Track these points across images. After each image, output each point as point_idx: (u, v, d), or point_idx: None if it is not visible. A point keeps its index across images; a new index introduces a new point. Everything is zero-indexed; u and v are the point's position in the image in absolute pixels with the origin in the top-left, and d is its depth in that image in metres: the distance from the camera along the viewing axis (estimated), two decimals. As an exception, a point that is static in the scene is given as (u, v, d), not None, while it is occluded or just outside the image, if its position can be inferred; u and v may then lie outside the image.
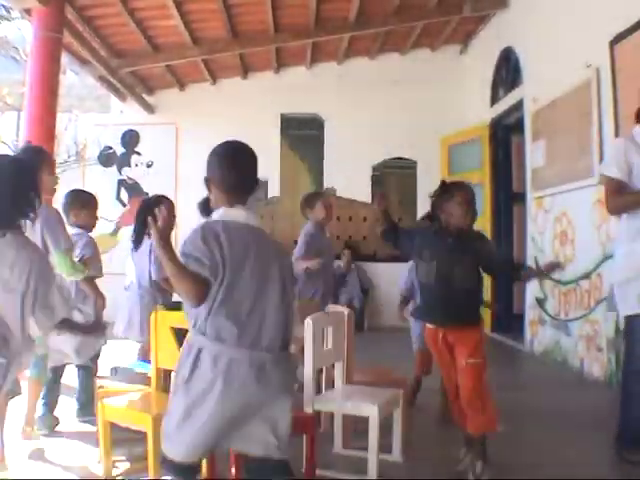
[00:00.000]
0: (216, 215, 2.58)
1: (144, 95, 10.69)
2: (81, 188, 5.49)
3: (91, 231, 4.79)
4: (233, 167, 2.69)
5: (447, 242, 3.71)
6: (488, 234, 9.04)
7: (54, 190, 4.36)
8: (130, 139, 10.93)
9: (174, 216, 4.78)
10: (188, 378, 2.41)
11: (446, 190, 3.80)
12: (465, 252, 3.68)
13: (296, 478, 2.70)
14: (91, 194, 4.95)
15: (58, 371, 4.56)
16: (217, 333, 2.41)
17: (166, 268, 2.34)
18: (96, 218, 4.92)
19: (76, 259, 4.26)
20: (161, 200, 4.66)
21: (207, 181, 2.74)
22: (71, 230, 4.46)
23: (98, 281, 4.60)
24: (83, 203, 4.76)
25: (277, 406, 2.47)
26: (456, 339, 3.61)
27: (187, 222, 9.82)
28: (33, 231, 3.66)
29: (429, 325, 3.77)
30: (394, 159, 10.75)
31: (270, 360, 2.44)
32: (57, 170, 7.46)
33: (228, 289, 2.40)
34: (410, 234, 3.98)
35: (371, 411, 3.48)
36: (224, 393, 2.36)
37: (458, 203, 3.73)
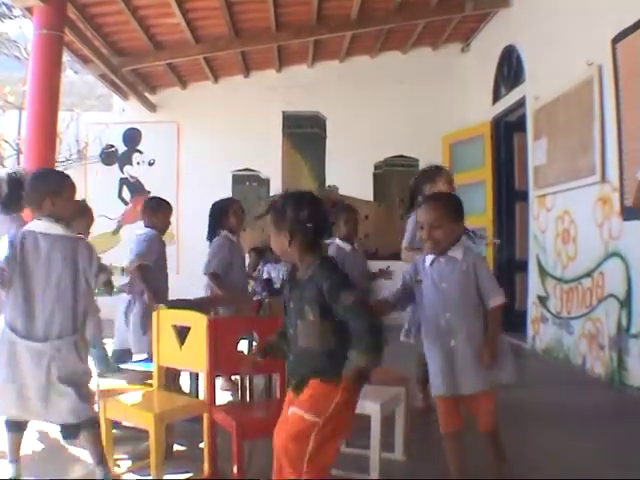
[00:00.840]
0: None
1: (146, 93, 10.68)
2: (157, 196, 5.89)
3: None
4: (28, 189, 3.48)
5: (290, 287, 2.86)
6: (490, 233, 9.05)
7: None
8: (132, 137, 10.93)
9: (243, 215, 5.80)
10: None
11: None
12: (304, 298, 2.68)
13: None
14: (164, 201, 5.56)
15: None
16: (10, 322, 3.20)
17: None
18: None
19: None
20: (232, 202, 5.79)
21: None
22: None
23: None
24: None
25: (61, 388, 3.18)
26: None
27: (188, 220, 9.83)
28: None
29: None
30: (396, 157, 10.74)
31: (49, 349, 3.17)
32: (58, 168, 7.48)
33: (15, 288, 3.20)
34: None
35: (373, 409, 3.47)
36: (9, 373, 3.17)
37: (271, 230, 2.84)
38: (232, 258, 5.53)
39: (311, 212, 2.72)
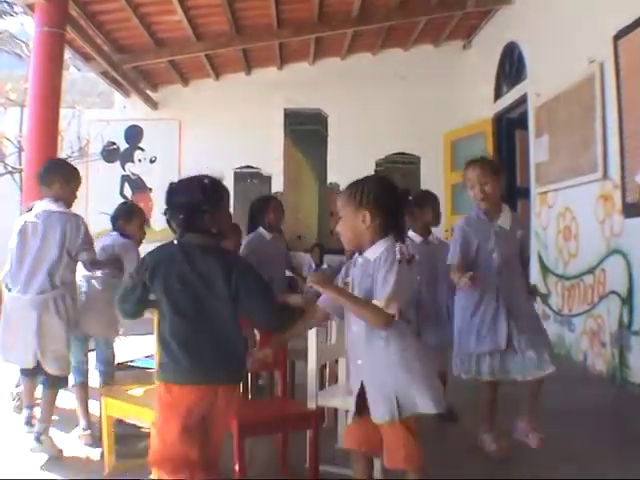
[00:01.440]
0: None
1: (147, 90, 10.69)
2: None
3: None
4: (43, 170, 4.22)
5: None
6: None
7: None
8: (133, 135, 10.94)
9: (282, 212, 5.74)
10: None
11: None
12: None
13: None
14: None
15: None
16: (5, 281, 4.01)
17: None
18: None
19: None
20: (269, 199, 5.85)
21: None
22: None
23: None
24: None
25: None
26: None
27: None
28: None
29: None
30: (397, 154, 10.75)
31: (33, 302, 3.84)
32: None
33: (14, 254, 3.95)
34: None
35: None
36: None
37: None
38: (260, 255, 5.18)
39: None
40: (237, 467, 3.11)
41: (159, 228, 10.84)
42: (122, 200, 10.71)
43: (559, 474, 3.56)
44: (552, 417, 4.67)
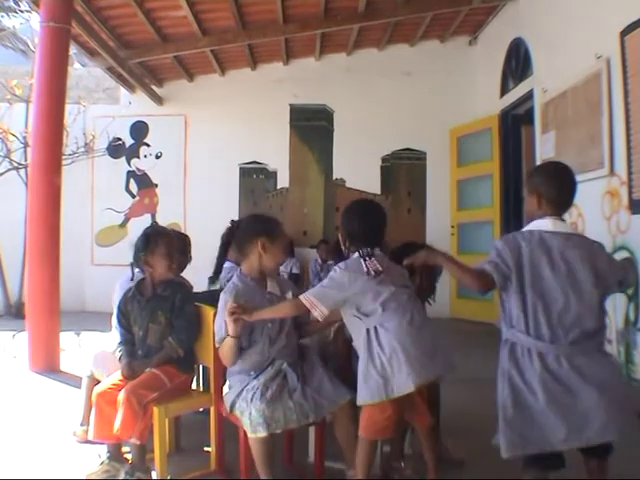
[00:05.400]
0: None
1: (153, 86, 10.68)
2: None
3: None
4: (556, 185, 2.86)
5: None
6: (497, 226, 9.02)
7: None
8: (139, 130, 10.94)
9: None
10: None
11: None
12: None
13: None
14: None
15: None
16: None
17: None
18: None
19: None
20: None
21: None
22: None
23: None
24: None
25: None
26: None
27: (196, 213, 9.79)
28: None
29: None
30: (403, 150, 10.72)
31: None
32: (66, 162, 7.48)
33: (529, 289, 2.71)
34: None
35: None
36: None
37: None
38: None
39: None
40: (242, 462, 3.11)
41: (165, 224, 10.88)
42: (128, 196, 10.74)
43: (564, 474, 3.54)
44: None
